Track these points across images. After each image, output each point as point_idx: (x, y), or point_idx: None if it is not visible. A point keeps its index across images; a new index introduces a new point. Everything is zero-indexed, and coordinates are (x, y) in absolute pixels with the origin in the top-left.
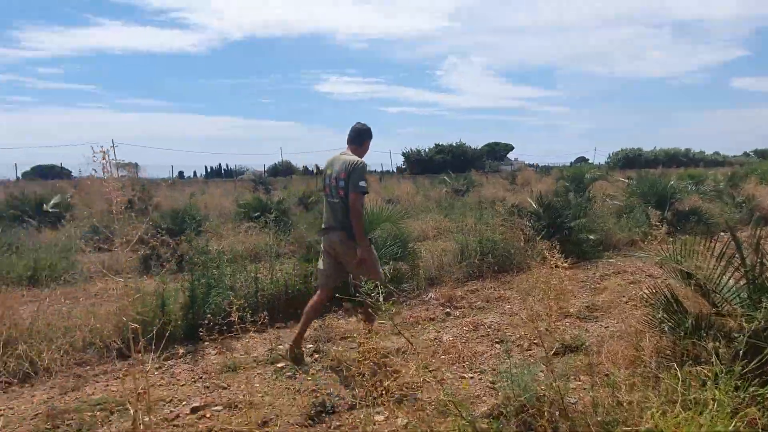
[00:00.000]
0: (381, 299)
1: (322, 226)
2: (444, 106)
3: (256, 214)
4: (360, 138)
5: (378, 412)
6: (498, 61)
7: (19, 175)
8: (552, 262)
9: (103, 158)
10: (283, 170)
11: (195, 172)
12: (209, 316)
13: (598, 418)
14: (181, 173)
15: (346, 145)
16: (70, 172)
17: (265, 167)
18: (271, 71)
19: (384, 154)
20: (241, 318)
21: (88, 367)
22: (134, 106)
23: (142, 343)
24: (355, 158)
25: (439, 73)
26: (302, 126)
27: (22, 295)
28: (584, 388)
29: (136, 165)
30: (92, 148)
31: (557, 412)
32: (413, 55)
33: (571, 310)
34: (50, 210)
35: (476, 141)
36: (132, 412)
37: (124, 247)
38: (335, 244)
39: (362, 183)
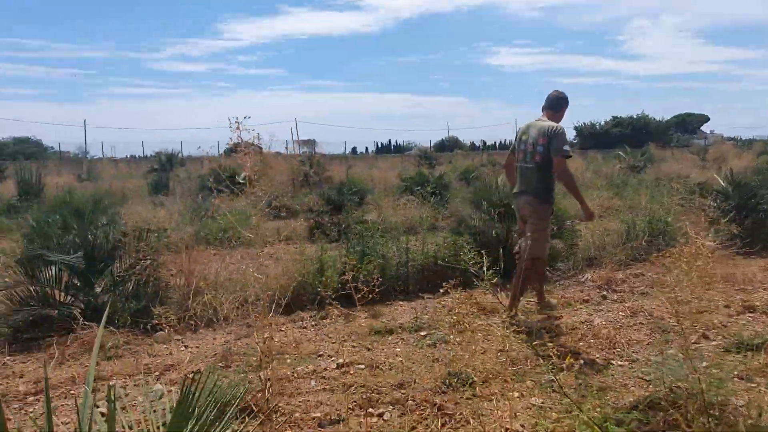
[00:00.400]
0: (485, 269)
1: (514, 191)
2: (624, 74)
3: (417, 188)
4: (558, 104)
5: (513, 389)
6: (694, 21)
7: (221, 151)
8: (696, 246)
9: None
10: (449, 145)
11: (366, 148)
12: (361, 282)
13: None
14: (354, 149)
15: (541, 113)
16: (261, 148)
17: (431, 143)
18: (440, 47)
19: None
20: (391, 286)
21: (257, 319)
22: (315, 87)
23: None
24: (554, 124)
25: (621, 38)
26: (470, 101)
27: (213, 253)
28: (758, 391)
29: (314, 141)
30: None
31: (715, 413)
32: (591, 20)
33: (757, 304)
34: (241, 181)
35: (661, 112)
36: (260, 357)
37: (296, 217)
38: (524, 207)
39: (566, 147)
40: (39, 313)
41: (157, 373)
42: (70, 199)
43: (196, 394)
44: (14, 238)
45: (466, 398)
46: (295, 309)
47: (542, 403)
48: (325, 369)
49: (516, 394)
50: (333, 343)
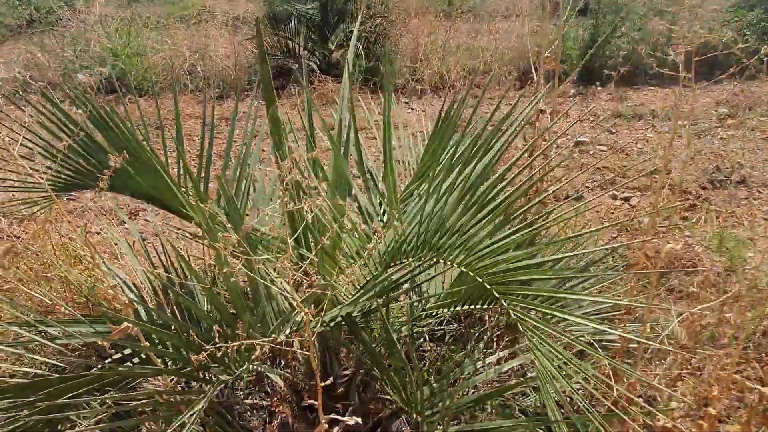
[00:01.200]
0: None
1: None
2: None
3: None
4: None
5: None
6: None
7: None
8: None
9: None
10: None
11: None
12: (608, 60)
13: None
14: None
15: None
16: None
17: None
18: None
19: None
20: (643, 68)
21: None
22: None
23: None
24: None
25: None
26: None
27: (437, 24)
28: None
29: None
30: None
31: None
32: None
33: None
34: None
35: None
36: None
37: None
38: None
39: None
40: (282, 63)
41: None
42: None
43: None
44: None
45: (740, 199)
46: (527, 82)
47: None
48: (559, 145)
49: None
50: (567, 120)
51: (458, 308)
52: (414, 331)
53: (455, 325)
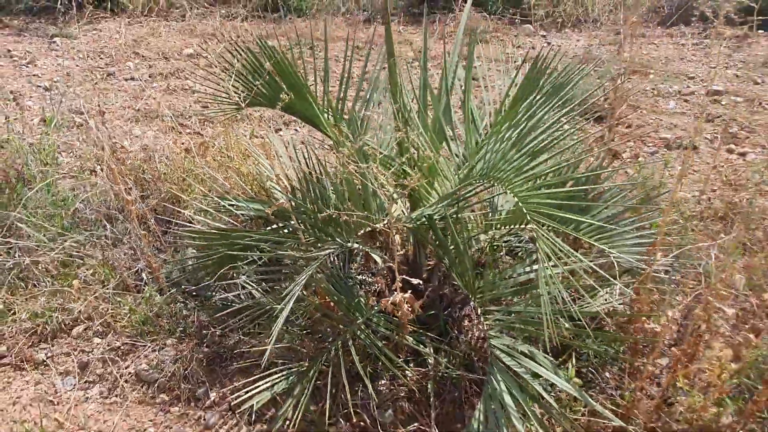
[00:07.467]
0: None
1: None
2: None
3: None
4: None
5: None
6: None
7: None
8: None
9: None
10: None
11: None
12: None
13: None
14: None
15: None
16: None
17: None
18: None
19: None
20: None
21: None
22: None
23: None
24: None
25: None
26: None
27: None
28: None
29: None
30: None
31: None
32: None
33: None
34: None
35: None
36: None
37: None
38: None
39: None
40: None
41: (517, 63)
42: None
43: (546, 71)
44: None
45: None
46: (678, 22)
47: None
48: (692, 93)
49: None
50: (712, 67)
51: (519, 226)
52: (494, 245)
53: (532, 245)
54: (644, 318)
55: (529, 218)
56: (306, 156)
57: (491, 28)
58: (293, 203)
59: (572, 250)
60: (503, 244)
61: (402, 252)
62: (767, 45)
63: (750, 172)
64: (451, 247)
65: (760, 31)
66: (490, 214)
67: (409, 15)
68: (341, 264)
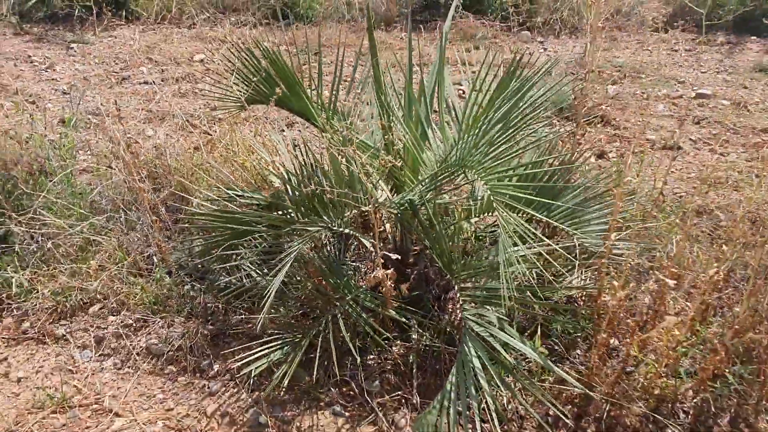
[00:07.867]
0: None
1: None
2: None
3: None
4: None
5: None
6: None
7: None
8: None
9: None
10: None
11: None
12: None
13: None
14: None
15: None
16: None
17: None
18: None
19: None
20: None
21: (624, 33)
22: None
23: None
24: None
25: None
26: None
27: None
28: None
29: None
30: None
31: None
32: None
33: None
34: None
35: None
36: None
37: None
38: None
39: None
40: None
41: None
42: None
43: (521, 71)
44: None
45: None
46: (672, 29)
47: None
48: (680, 97)
49: None
50: (703, 72)
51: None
52: (479, 235)
53: None
54: (600, 292)
55: (493, 201)
56: (303, 150)
57: (490, 34)
58: (287, 186)
59: (537, 234)
60: (488, 235)
61: (389, 235)
62: (758, 50)
63: (728, 171)
64: (432, 234)
65: (752, 37)
66: (471, 203)
67: (414, 22)
68: (337, 252)
